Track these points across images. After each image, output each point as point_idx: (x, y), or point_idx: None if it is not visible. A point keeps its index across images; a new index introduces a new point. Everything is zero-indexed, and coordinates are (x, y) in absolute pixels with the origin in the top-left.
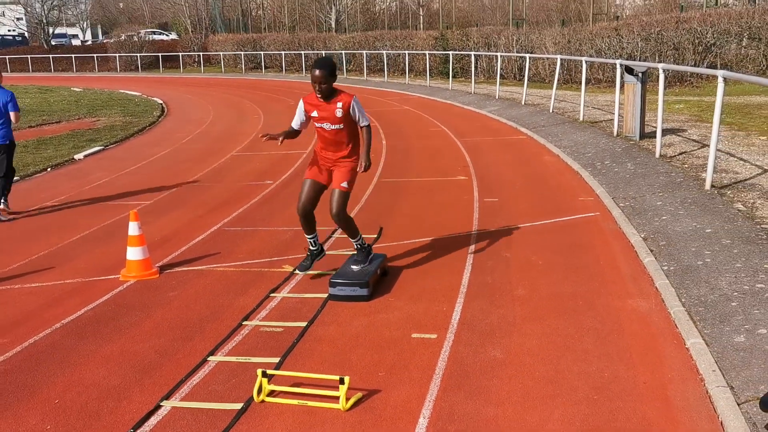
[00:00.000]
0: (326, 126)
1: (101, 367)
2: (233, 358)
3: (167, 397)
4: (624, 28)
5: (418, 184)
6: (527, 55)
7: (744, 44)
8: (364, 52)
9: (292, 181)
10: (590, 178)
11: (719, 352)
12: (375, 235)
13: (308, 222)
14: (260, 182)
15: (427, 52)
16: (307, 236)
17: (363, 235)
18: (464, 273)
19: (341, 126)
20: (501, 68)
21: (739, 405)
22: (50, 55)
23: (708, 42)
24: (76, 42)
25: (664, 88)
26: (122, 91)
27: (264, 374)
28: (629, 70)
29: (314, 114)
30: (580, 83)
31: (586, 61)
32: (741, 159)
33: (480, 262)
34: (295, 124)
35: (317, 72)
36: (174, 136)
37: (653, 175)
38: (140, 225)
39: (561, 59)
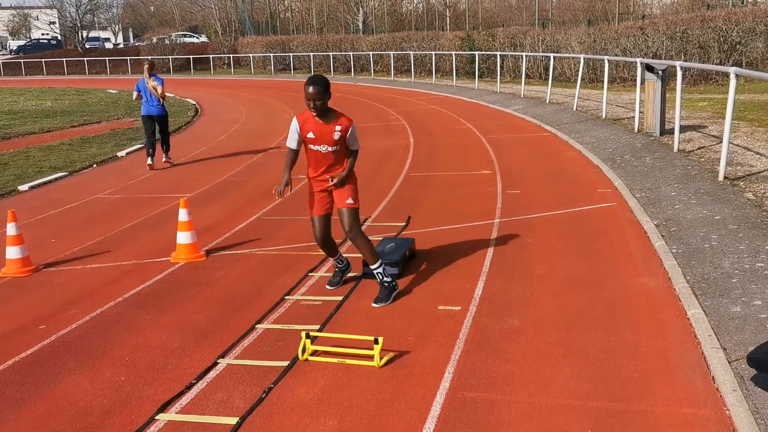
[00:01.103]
0: (322, 149)
1: (162, 332)
2: (278, 326)
3: (223, 355)
4: (649, 27)
5: (445, 177)
6: (552, 55)
7: None
8: (392, 53)
9: None
10: (609, 172)
11: (716, 320)
12: (404, 223)
13: (329, 248)
14: (293, 177)
15: (453, 53)
16: (332, 258)
17: (391, 223)
18: (487, 255)
19: (337, 148)
20: (526, 68)
21: (730, 363)
22: (85, 58)
23: (733, 40)
24: (108, 45)
25: (682, 85)
26: None
27: (307, 336)
28: (650, 68)
29: (310, 135)
30: (604, 85)
31: (608, 60)
32: (757, 153)
33: (501, 246)
34: (292, 144)
35: (311, 89)
36: (209, 135)
37: (670, 168)
38: (189, 212)
39: (584, 58)
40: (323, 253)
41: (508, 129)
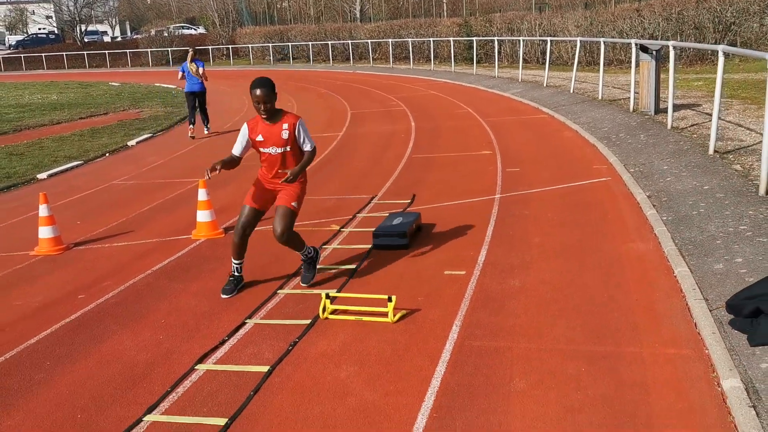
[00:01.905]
0: (272, 150)
1: (192, 299)
2: (298, 291)
3: (250, 317)
4: (646, 9)
5: (446, 158)
6: (548, 39)
7: (765, 22)
8: (390, 40)
9: (331, 160)
10: (605, 149)
11: (700, 276)
12: (408, 201)
13: (241, 247)
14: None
15: (451, 39)
16: (234, 261)
17: (397, 201)
18: (488, 227)
19: (287, 148)
20: (524, 52)
21: (711, 311)
22: (84, 52)
23: (728, 21)
24: (105, 39)
25: (677, 65)
26: (158, 84)
27: (327, 296)
28: (644, 49)
29: (259, 138)
30: (600, 67)
31: (604, 42)
32: (748, 129)
33: (502, 218)
34: (236, 150)
35: (258, 91)
36: (215, 124)
37: (663, 144)
38: (208, 192)
39: (581, 41)
40: (234, 249)
41: (506, 112)
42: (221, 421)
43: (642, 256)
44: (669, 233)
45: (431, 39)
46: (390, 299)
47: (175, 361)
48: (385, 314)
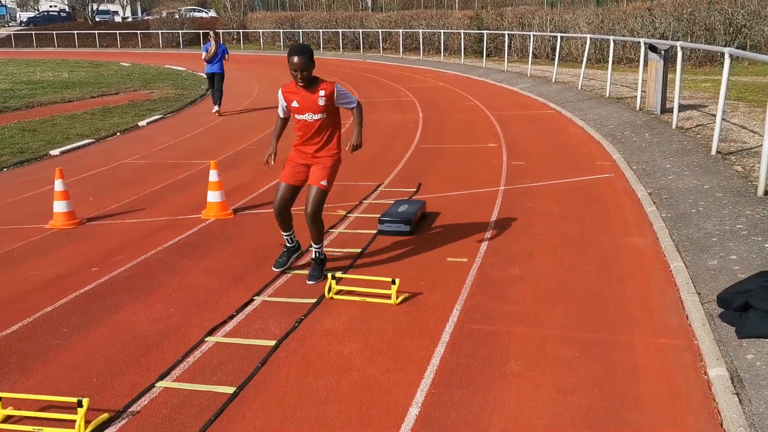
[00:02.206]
0: (308, 117)
1: (202, 276)
2: (305, 271)
3: (258, 294)
4: (657, 8)
5: (453, 149)
6: (559, 35)
7: None
8: (401, 30)
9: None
10: (609, 146)
11: (695, 271)
12: (414, 189)
13: (284, 221)
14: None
15: (462, 32)
16: (283, 233)
17: (403, 189)
18: (491, 217)
19: (323, 115)
20: (534, 48)
21: (702, 304)
22: (95, 31)
23: (738, 23)
24: (116, 19)
25: (687, 66)
26: (168, 66)
27: (333, 277)
28: (653, 48)
29: (294, 104)
30: (609, 65)
31: (614, 40)
32: (752, 131)
33: (506, 209)
34: (281, 112)
35: (296, 59)
36: (224, 107)
37: (667, 144)
38: (218, 173)
39: (591, 38)
40: (279, 225)
41: (514, 106)
42: (230, 390)
43: (640, 251)
44: (667, 229)
45: (442, 31)
46: (394, 282)
47: (185, 333)
48: (389, 296)
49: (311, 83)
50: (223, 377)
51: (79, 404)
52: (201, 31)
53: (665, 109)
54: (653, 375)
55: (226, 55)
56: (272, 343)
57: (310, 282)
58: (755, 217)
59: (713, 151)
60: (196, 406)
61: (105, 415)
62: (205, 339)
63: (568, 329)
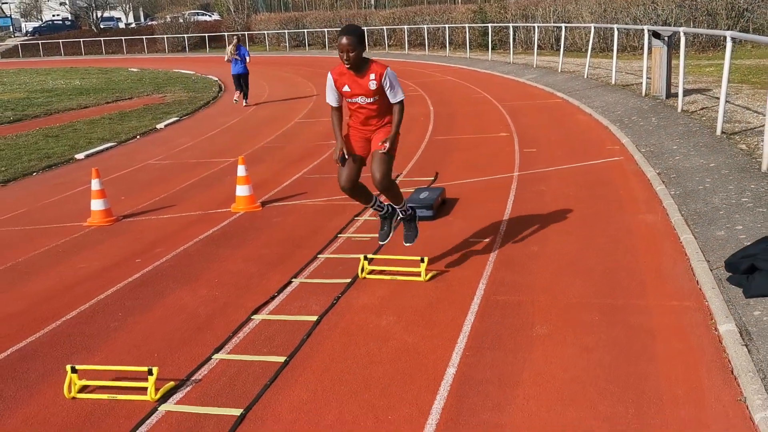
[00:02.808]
0: (360, 101)
1: (240, 263)
2: (337, 255)
3: (295, 276)
4: None
5: (466, 140)
6: (563, 25)
7: None
8: (405, 27)
9: None
10: (618, 131)
11: (703, 241)
12: (432, 178)
13: (359, 194)
14: (326, 142)
15: (467, 25)
16: (371, 207)
17: (421, 178)
18: (508, 200)
19: (376, 98)
20: (538, 39)
21: (711, 270)
22: (101, 38)
23: (741, 7)
24: (120, 25)
25: (691, 51)
26: (176, 70)
27: (365, 257)
28: (656, 35)
29: (345, 89)
30: (614, 53)
31: (618, 29)
32: (756, 112)
33: (521, 193)
34: (332, 101)
35: (344, 39)
36: (238, 108)
37: (673, 126)
38: (246, 168)
39: (595, 27)
40: (358, 201)
41: (522, 96)
42: (281, 359)
43: (651, 226)
44: (676, 205)
45: (446, 25)
46: (423, 260)
47: (231, 313)
48: (418, 274)
49: (361, 66)
50: (273, 349)
51: (150, 372)
52: (207, 35)
53: (670, 94)
54: (668, 333)
55: (248, 57)
56: (314, 318)
57: (407, 243)
58: (760, 191)
59: (718, 132)
60: (252, 374)
61: (171, 383)
62: (252, 317)
63: (588, 297)
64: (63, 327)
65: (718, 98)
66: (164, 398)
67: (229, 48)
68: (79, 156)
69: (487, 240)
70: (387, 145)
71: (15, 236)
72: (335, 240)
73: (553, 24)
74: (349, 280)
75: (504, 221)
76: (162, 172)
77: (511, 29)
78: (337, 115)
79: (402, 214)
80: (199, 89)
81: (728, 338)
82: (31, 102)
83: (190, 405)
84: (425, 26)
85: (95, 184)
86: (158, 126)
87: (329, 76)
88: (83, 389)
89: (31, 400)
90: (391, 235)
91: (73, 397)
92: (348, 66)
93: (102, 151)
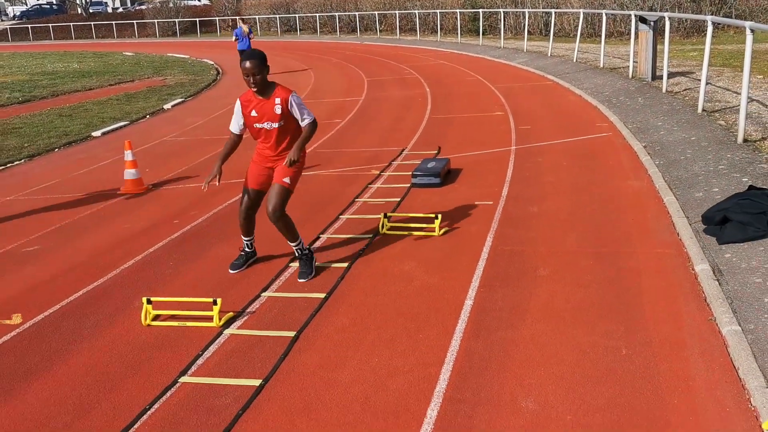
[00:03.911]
0: (267, 126)
1: (270, 223)
2: (357, 216)
3: (322, 232)
4: None
5: (463, 118)
6: (553, 11)
7: None
8: (396, 12)
9: (358, 119)
10: (606, 110)
11: (683, 201)
12: (435, 152)
13: (247, 225)
14: (330, 121)
15: (458, 10)
16: (243, 238)
17: (425, 152)
18: (508, 170)
19: (282, 123)
20: (527, 24)
21: (690, 225)
22: (91, 23)
23: None
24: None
25: (676, 37)
26: (171, 54)
27: (385, 215)
28: (643, 20)
29: (253, 114)
30: (602, 37)
31: (606, 14)
32: (735, 92)
33: (519, 164)
34: (234, 128)
35: (248, 64)
36: (240, 90)
37: (658, 105)
38: None
39: (584, 13)
40: (242, 228)
41: (514, 79)
42: (321, 295)
43: (637, 190)
44: (660, 173)
45: (438, 11)
46: (437, 217)
47: (272, 261)
48: (432, 230)
49: (266, 89)
50: (312, 288)
51: (214, 302)
52: (198, 20)
53: (656, 76)
54: (652, 273)
55: (251, 35)
56: (344, 265)
57: (301, 280)
58: (734, 159)
59: (699, 110)
60: (299, 306)
61: (231, 313)
62: (289, 265)
63: (583, 246)
64: (124, 273)
65: (699, 80)
66: (226, 325)
67: (245, 27)
68: (96, 133)
69: (491, 202)
70: (292, 158)
71: (56, 203)
72: (353, 204)
73: (543, 10)
74: (371, 236)
75: (505, 187)
76: (179, 147)
77: (502, 14)
78: (231, 143)
79: (298, 252)
80: (198, 72)
81: (703, 275)
82: (35, 84)
83: (250, 329)
84: (416, 11)
85: (128, 155)
86: (165, 106)
87: (237, 102)
88: (156, 318)
89: (111, 327)
90: (240, 269)
91: (149, 324)
92: (255, 90)
93: (116, 129)
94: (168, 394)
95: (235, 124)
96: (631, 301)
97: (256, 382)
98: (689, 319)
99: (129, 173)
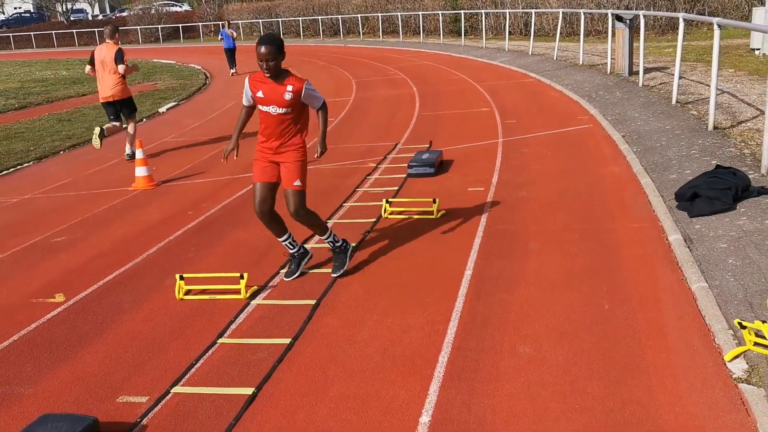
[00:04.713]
0: (272, 110)
1: (279, 210)
2: (360, 203)
3: (329, 218)
4: None
5: (451, 114)
6: (533, 11)
7: None
8: (379, 14)
9: (350, 117)
10: (587, 104)
11: (659, 183)
12: (427, 145)
13: (272, 223)
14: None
15: (440, 12)
16: (279, 240)
17: (417, 145)
18: (497, 159)
19: (288, 110)
20: (508, 24)
21: (665, 202)
22: (73, 30)
23: None
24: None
25: (648, 34)
26: (156, 60)
27: (387, 201)
28: (619, 18)
29: (259, 94)
30: (581, 36)
31: (584, 13)
32: (707, 85)
33: (507, 154)
34: (245, 101)
35: (263, 49)
36: (230, 93)
37: (635, 99)
38: None
39: (563, 12)
40: (271, 231)
41: (497, 77)
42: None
43: (617, 175)
44: (638, 159)
45: (420, 13)
46: (435, 201)
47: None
48: (431, 213)
49: (279, 75)
50: (327, 265)
51: (241, 276)
52: (180, 25)
53: (632, 72)
54: (631, 243)
55: (235, 35)
56: (354, 245)
57: (335, 274)
58: (705, 144)
59: (674, 101)
60: (316, 281)
61: (255, 287)
62: (305, 245)
63: (568, 224)
64: (150, 258)
65: (674, 74)
66: (252, 297)
67: (228, 31)
68: None
69: (482, 189)
70: (320, 149)
71: (73, 199)
72: (354, 193)
73: (523, 10)
74: (374, 220)
75: (495, 175)
76: (181, 146)
77: (483, 15)
78: (244, 115)
79: (330, 245)
80: (187, 77)
81: (675, 244)
82: (28, 91)
83: (274, 299)
84: (399, 14)
85: (139, 153)
86: (160, 110)
87: (246, 80)
88: (187, 293)
89: (148, 302)
90: (296, 274)
91: (182, 299)
92: (268, 75)
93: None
94: (209, 352)
95: (246, 98)
96: (612, 267)
97: (287, 340)
98: (664, 279)
99: (140, 170)
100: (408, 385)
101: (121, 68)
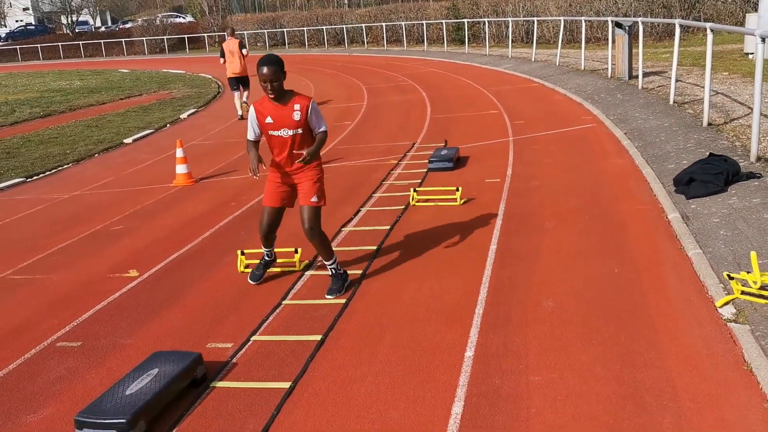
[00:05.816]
0: (283, 133)
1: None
2: (388, 194)
3: (362, 206)
4: None
5: (462, 117)
6: (535, 19)
7: (724, 0)
8: (383, 24)
9: (366, 120)
10: (590, 106)
11: (658, 171)
12: (442, 144)
13: (268, 240)
14: (340, 123)
15: (443, 21)
16: (264, 249)
17: (433, 144)
18: (509, 155)
19: (299, 131)
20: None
21: (664, 188)
22: (79, 42)
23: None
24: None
25: (646, 40)
26: (166, 70)
27: (414, 189)
28: (618, 25)
29: (268, 120)
30: (582, 42)
31: (584, 20)
32: (702, 87)
33: (518, 151)
34: (251, 135)
35: (265, 69)
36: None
37: (635, 100)
38: None
39: (564, 20)
40: (263, 243)
41: (502, 83)
42: (373, 247)
43: (621, 167)
44: (639, 152)
45: (424, 22)
46: (458, 189)
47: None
48: (454, 200)
49: (283, 96)
50: (365, 243)
51: (296, 251)
52: (186, 36)
53: (632, 76)
54: (635, 222)
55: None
56: (387, 227)
57: (329, 297)
58: (700, 139)
59: (671, 102)
60: (360, 256)
61: (306, 261)
62: (342, 229)
63: (579, 207)
64: (205, 240)
65: (671, 77)
66: (305, 269)
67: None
68: (127, 140)
69: (498, 180)
70: (304, 153)
71: (119, 195)
72: (381, 185)
73: (525, 18)
74: (403, 207)
75: (509, 168)
76: (209, 149)
77: (486, 24)
78: (253, 146)
79: (332, 271)
80: (200, 85)
81: (674, 221)
82: (50, 100)
83: (325, 270)
84: (402, 23)
85: (179, 152)
86: (182, 116)
87: (251, 109)
88: (247, 267)
89: (214, 274)
90: (260, 279)
91: (242, 271)
92: (272, 96)
93: (145, 136)
94: (277, 311)
95: (252, 132)
96: (620, 241)
97: (342, 301)
98: (665, 249)
99: (180, 168)
100: (452, 330)
101: (244, 51)
